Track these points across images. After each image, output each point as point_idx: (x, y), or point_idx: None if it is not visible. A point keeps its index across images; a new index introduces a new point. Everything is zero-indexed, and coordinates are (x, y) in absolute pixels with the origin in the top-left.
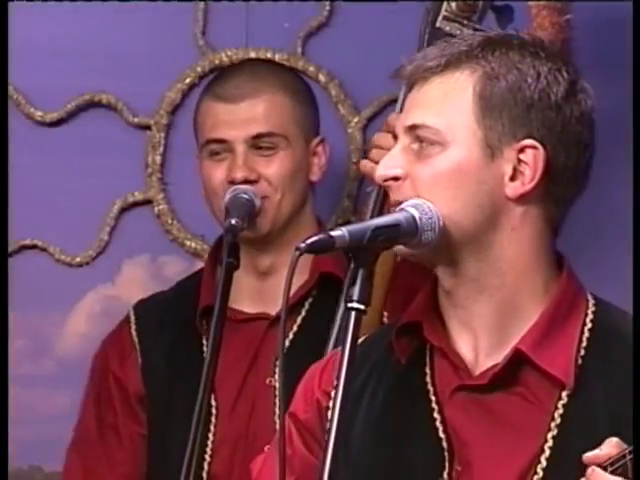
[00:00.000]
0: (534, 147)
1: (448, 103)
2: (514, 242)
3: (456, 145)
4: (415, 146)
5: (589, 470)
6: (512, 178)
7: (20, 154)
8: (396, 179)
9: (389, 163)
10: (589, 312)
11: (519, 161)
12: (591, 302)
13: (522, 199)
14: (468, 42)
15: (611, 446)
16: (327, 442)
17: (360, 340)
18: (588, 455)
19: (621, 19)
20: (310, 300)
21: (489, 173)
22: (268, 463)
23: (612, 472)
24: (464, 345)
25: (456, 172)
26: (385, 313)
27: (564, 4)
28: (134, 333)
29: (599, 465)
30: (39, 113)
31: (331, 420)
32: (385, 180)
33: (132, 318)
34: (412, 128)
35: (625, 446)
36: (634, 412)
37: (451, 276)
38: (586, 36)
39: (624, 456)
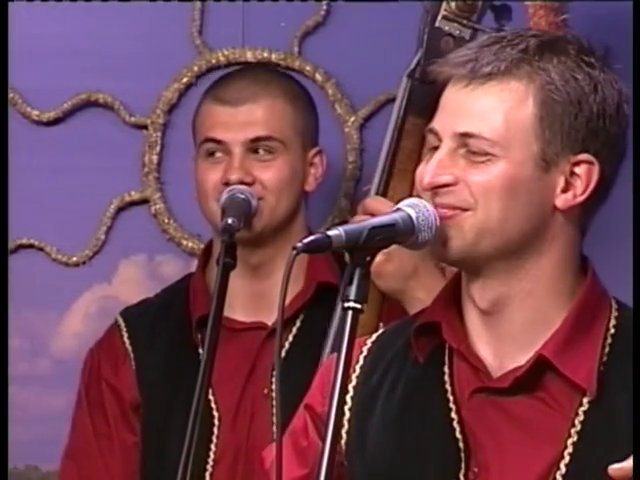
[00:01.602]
0: (589, 162)
1: (505, 114)
2: (551, 250)
3: (510, 158)
4: (462, 151)
5: None
6: (564, 190)
7: (17, 154)
8: (446, 185)
9: (437, 170)
10: (612, 317)
11: (572, 174)
12: (614, 307)
13: (569, 210)
14: (521, 46)
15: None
16: (324, 441)
17: (377, 334)
18: (614, 467)
19: (619, 18)
20: (305, 310)
21: (542, 185)
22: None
23: None
24: (485, 347)
25: (509, 185)
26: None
27: (560, 4)
28: (127, 340)
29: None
30: (36, 112)
31: (327, 419)
32: (434, 187)
33: (122, 325)
34: (464, 136)
35: None
36: (634, 412)
37: (482, 281)
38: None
39: None
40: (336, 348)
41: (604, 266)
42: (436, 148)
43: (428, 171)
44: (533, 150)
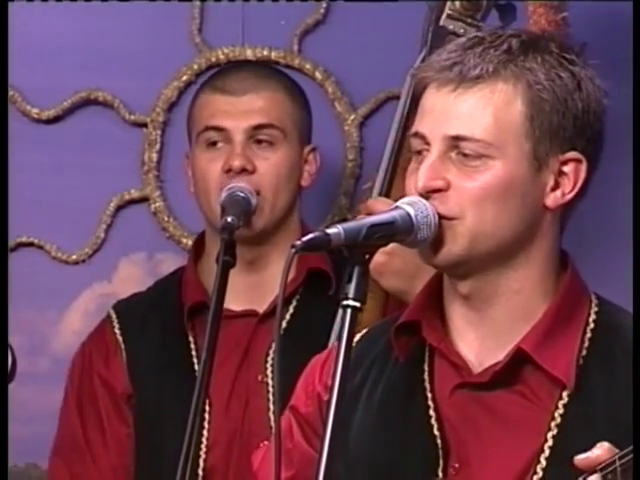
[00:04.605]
0: (578, 160)
1: (495, 115)
2: (538, 249)
3: (504, 159)
4: (453, 155)
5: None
6: (553, 188)
7: (16, 152)
8: (439, 190)
9: (430, 174)
10: (592, 312)
11: (560, 172)
12: (594, 302)
13: (556, 209)
14: (504, 47)
15: (603, 450)
16: (323, 440)
17: (361, 333)
18: (580, 457)
19: (618, 16)
20: (297, 297)
21: (534, 185)
22: (269, 455)
23: (603, 477)
24: (467, 345)
25: (505, 187)
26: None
27: (560, 2)
28: (118, 332)
29: (590, 469)
30: (35, 110)
31: (326, 418)
32: (428, 192)
33: (113, 318)
34: (455, 138)
35: (616, 451)
36: (634, 412)
37: (471, 282)
38: (583, 33)
39: (614, 461)
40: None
41: (604, 266)
42: (420, 152)
43: (421, 175)
44: (525, 149)
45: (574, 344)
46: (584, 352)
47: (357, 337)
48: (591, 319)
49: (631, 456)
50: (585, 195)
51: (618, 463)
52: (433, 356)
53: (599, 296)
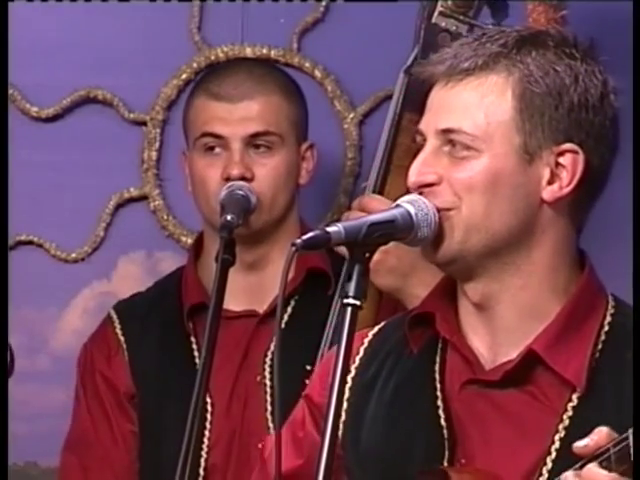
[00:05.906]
0: (574, 151)
1: (485, 108)
2: (541, 244)
3: (492, 152)
4: (447, 148)
5: (584, 469)
6: (549, 182)
7: (16, 150)
8: (431, 184)
9: (422, 169)
10: (607, 314)
11: (557, 164)
12: (611, 304)
13: (557, 202)
14: (501, 41)
15: (600, 436)
16: (323, 436)
17: (378, 326)
18: (579, 446)
19: (618, 14)
20: (296, 296)
21: (526, 177)
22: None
23: (599, 464)
24: (480, 340)
25: (493, 179)
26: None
27: (559, 1)
28: (119, 332)
29: (589, 456)
30: (35, 109)
31: (327, 415)
32: (420, 186)
33: (115, 318)
34: (445, 132)
35: (615, 435)
36: (634, 411)
37: (473, 279)
38: (583, 32)
39: (608, 449)
40: (335, 343)
41: (604, 265)
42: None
43: (412, 171)
44: (515, 143)
45: (587, 346)
46: (597, 355)
47: (375, 330)
48: (606, 322)
49: (625, 443)
50: (597, 191)
51: (612, 451)
52: (446, 348)
53: (616, 298)
